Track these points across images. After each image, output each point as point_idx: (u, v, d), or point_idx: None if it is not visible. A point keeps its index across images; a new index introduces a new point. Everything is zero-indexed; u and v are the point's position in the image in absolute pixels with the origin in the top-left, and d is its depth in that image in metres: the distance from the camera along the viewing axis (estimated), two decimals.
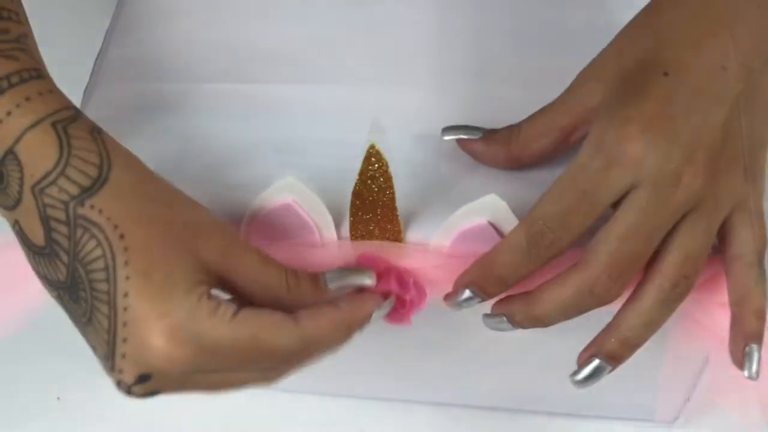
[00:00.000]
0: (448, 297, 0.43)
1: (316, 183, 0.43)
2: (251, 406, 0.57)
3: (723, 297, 0.43)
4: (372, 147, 0.41)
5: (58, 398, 0.58)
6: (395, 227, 0.44)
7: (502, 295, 0.43)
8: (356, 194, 0.43)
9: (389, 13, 0.53)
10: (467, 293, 0.42)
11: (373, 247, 0.44)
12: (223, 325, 0.37)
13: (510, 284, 0.41)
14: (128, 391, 0.37)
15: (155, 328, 0.36)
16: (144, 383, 0.37)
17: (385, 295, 0.43)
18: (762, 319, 0.41)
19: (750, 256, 0.41)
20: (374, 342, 0.52)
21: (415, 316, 0.45)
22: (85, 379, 0.57)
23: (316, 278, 0.41)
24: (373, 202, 0.43)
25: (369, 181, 0.42)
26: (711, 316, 0.45)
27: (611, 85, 0.41)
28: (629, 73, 0.41)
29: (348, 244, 0.44)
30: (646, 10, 0.43)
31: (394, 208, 0.43)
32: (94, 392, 0.57)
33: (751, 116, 0.41)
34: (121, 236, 0.36)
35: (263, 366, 0.39)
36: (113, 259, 0.36)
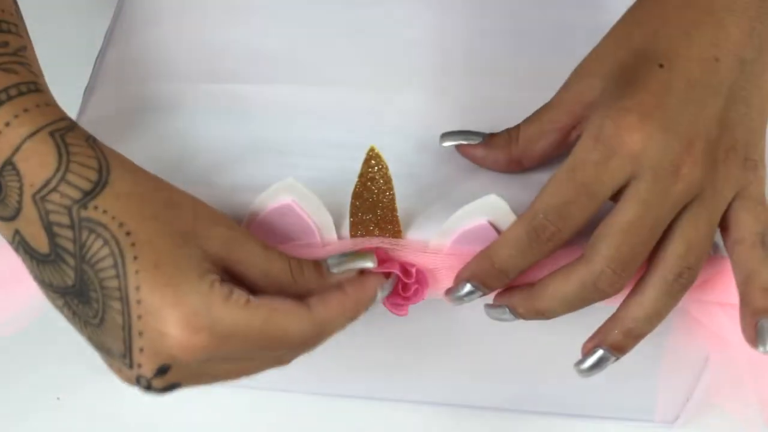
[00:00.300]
0: (449, 292, 0.43)
1: (316, 184, 0.43)
2: (251, 407, 0.57)
3: (723, 297, 0.43)
4: (372, 150, 0.41)
5: (58, 398, 0.58)
6: (395, 228, 0.43)
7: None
8: (356, 195, 0.43)
9: (389, 15, 0.53)
10: (468, 287, 0.42)
11: (373, 244, 0.44)
12: (236, 311, 0.37)
13: (511, 277, 0.42)
14: (148, 386, 0.38)
15: (170, 318, 0.36)
16: (163, 375, 0.37)
17: (387, 276, 0.43)
18: None
19: (753, 238, 0.41)
20: (374, 342, 0.52)
21: (415, 313, 0.45)
22: (85, 379, 0.57)
23: (319, 265, 0.41)
24: (373, 204, 0.43)
25: (369, 183, 0.42)
26: (711, 316, 0.45)
27: (607, 80, 0.41)
28: (624, 67, 0.41)
29: (348, 242, 0.44)
30: (637, 4, 0.43)
31: (394, 209, 0.43)
32: (94, 392, 0.57)
33: (747, 106, 0.41)
34: (128, 233, 0.37)
35: (277, 353, 0.40)
36: (122, 255, 0.36)
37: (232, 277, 0.39)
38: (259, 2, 0.54)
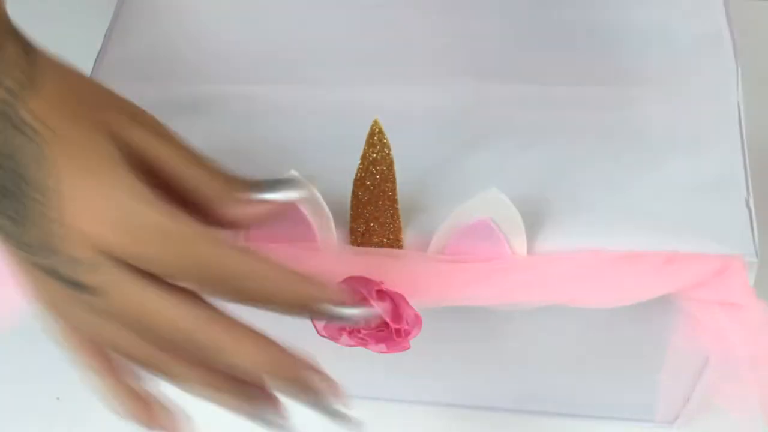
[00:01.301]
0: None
1: (316, 184, 0.43)
2: None
3: (723, 297, 0.43)
4: (375, 124, 0.41)
5: (58, 398, 0.58)
6: (395, 223, 0.44)
7: None
8: (358, 183, 0.42)
9: (389, 16, 0.53)
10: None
11: (371, 255, 0.44)
12: (150, 205, 0.37)
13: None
14: (67, 278, 0.37)
15: (86, 207, 0.36)
16: (83, 267, 0.37)
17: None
18: None
19: None
20: None
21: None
22: (85, 379, 0.57)
23: (244, 185, 0.40)
24: (374, 194, 0.43)
25: (371, 167, 0.42)
26: (711, 316, 0.45)
27: None
28: None
29: (348, 249, 0.44)
30: None
31: (395, 200, 0.43)
32: (94, 392, 0.57)
33: None
34: (49, 128, 0.37)
35: (200, 278, 0.37)
36: (42, 147, 0.37)
37: (153, 175, 0.39)
38: (258, 3, 0.54)
